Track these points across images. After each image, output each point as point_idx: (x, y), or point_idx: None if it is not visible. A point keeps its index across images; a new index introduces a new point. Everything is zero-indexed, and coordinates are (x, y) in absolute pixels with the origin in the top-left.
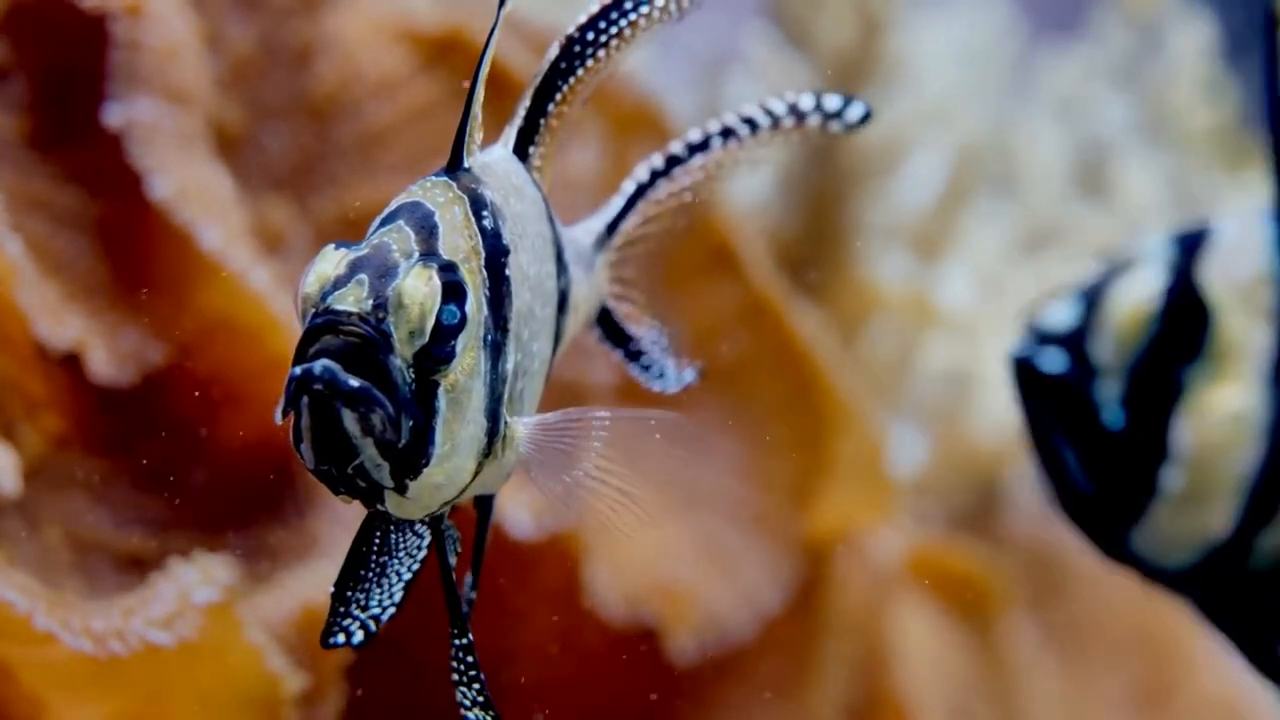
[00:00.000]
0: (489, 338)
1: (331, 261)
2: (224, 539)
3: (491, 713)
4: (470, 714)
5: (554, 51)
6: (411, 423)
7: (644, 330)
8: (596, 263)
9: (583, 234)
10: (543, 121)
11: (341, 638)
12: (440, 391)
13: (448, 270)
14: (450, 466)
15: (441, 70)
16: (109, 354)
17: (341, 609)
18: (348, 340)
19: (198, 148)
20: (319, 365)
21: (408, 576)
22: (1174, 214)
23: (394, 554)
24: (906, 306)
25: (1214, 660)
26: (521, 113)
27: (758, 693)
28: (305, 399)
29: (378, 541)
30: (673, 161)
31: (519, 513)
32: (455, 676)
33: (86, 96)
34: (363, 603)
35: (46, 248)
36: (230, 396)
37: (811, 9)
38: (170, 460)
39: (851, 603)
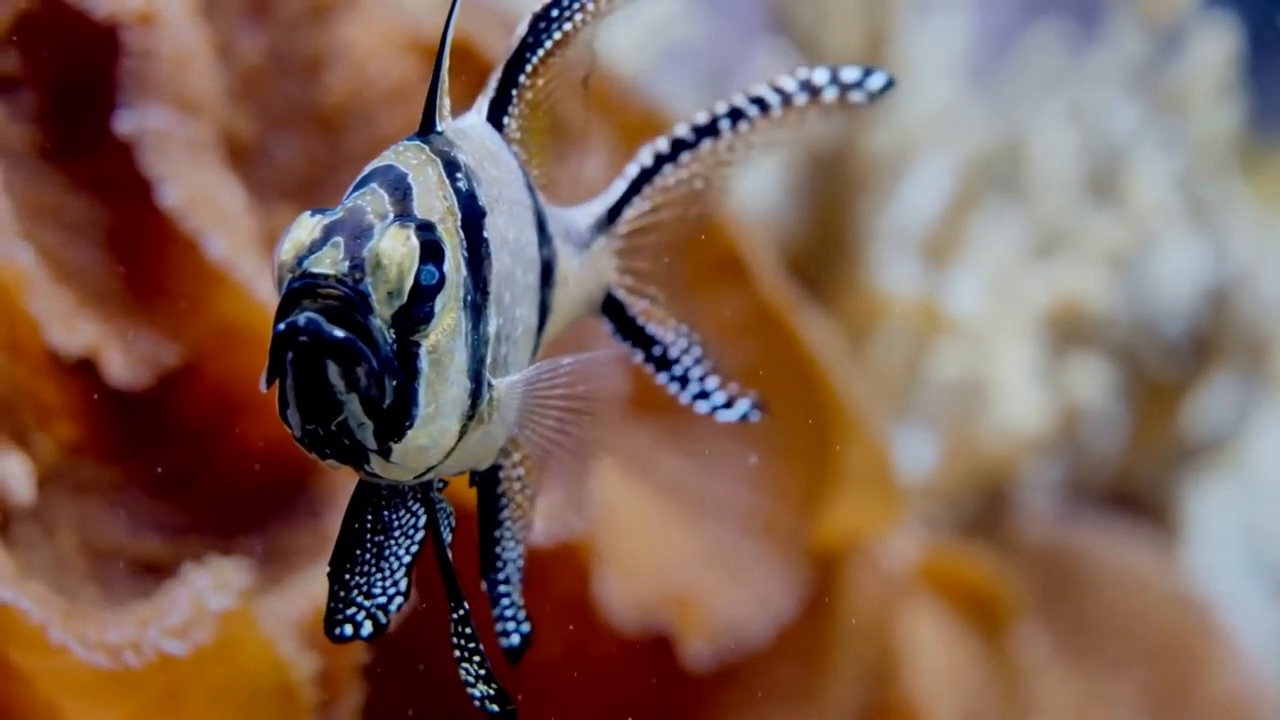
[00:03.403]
0: (469, 298)
1: (306, 228)
2: (238, 543)
3: (494, 685)
4: (475, 689)
5: (523, 28)
6: (395, 382)
7: (671, 335)
8: (595, 245)
9: (581, 215)
10: (514, 92)
11: (349, 629)
12: (422, 352)
13: (425, 230)
14: (434, 429)
15: (450, 79)
16: (124, 357)
17: (342, 593)
18: (326, 302)
19: (208, 156)
20: (303, 317)
21: (407, 559)
22: (1186, 218)
23: (390, 533)
24: (916, 312)
25: (1228, 663)
26: (493, 84)
27: (770, 699)
28: (290, 355)
29: (370, 518)
30: (679, 146)
31: None
32: (456, 653)
33: (98, 105)
34: (365, 588)
35: (58, 256)
36: (243, 401)
37: (818, 19)
38: (184, 465)
39: (863, 609)
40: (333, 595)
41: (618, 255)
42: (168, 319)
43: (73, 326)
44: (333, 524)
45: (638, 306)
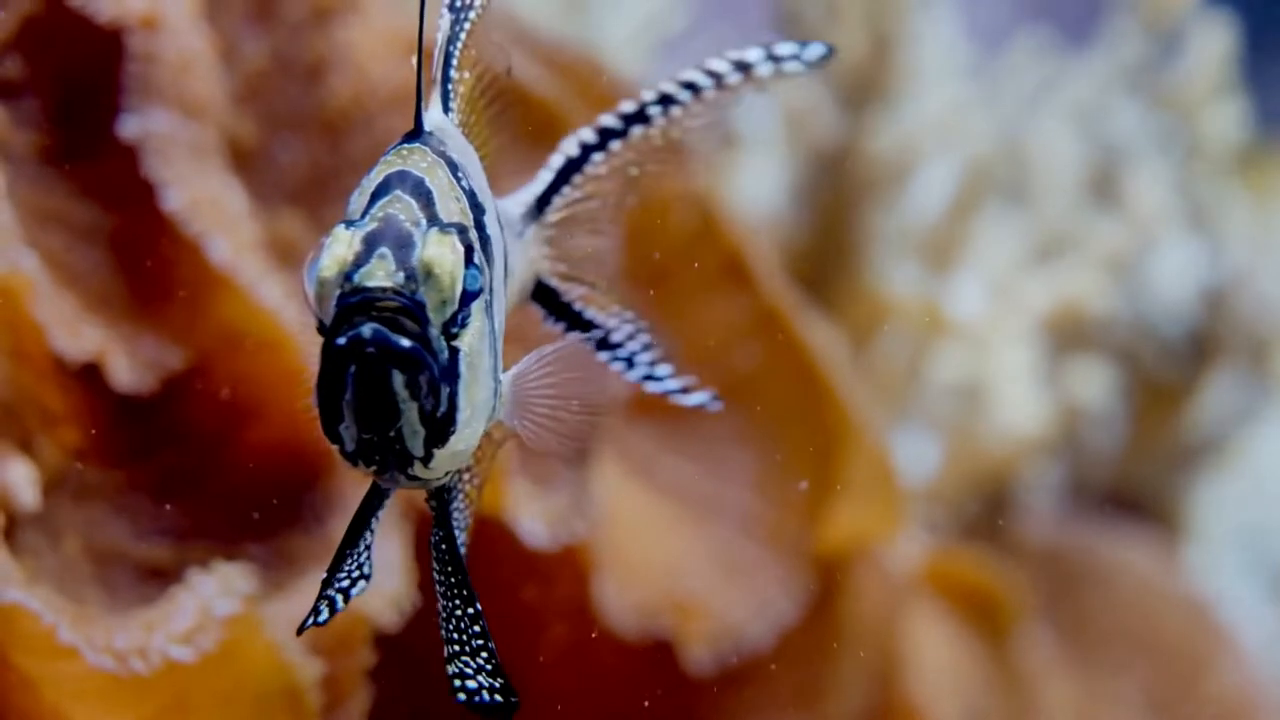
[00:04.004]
0: (487, 299)
1: (344, 241)
2: (244, 547)
3: (501, 677)
4: (471, 682)
5: (445, 21)
6: (448, 389)
7: (614, 320)
8: (526, 235)
9: (511, 204)
10: (449, 88)
11: (310, 619)
12: (461, 357)
13: (462, 233)
14: (469, 432)
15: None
16: (129, 362)
17: (324, 592)
18: (385, 314)
19: (211, 160)
20: (367, 329)
21: (369, 539)
22: (1185, 219)
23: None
24: (917, 315)
25: (1230, 663)
26: (438, 78)
27: (772, 704)
28: (353, 368)
29: (371, 523)
30: (606, 134)
31: (533, 522)
32: (455, 647)
33: (101, 109)
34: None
35: (62, 260)
36: (248, 406)
37: (824, 20)
38: (189, 470)
39: (866, 614)
40: (319, 598)
41: (548, 244)
42: (172, 323)
43: (77, 332)
44: (338, 528)
45: (574, 293)
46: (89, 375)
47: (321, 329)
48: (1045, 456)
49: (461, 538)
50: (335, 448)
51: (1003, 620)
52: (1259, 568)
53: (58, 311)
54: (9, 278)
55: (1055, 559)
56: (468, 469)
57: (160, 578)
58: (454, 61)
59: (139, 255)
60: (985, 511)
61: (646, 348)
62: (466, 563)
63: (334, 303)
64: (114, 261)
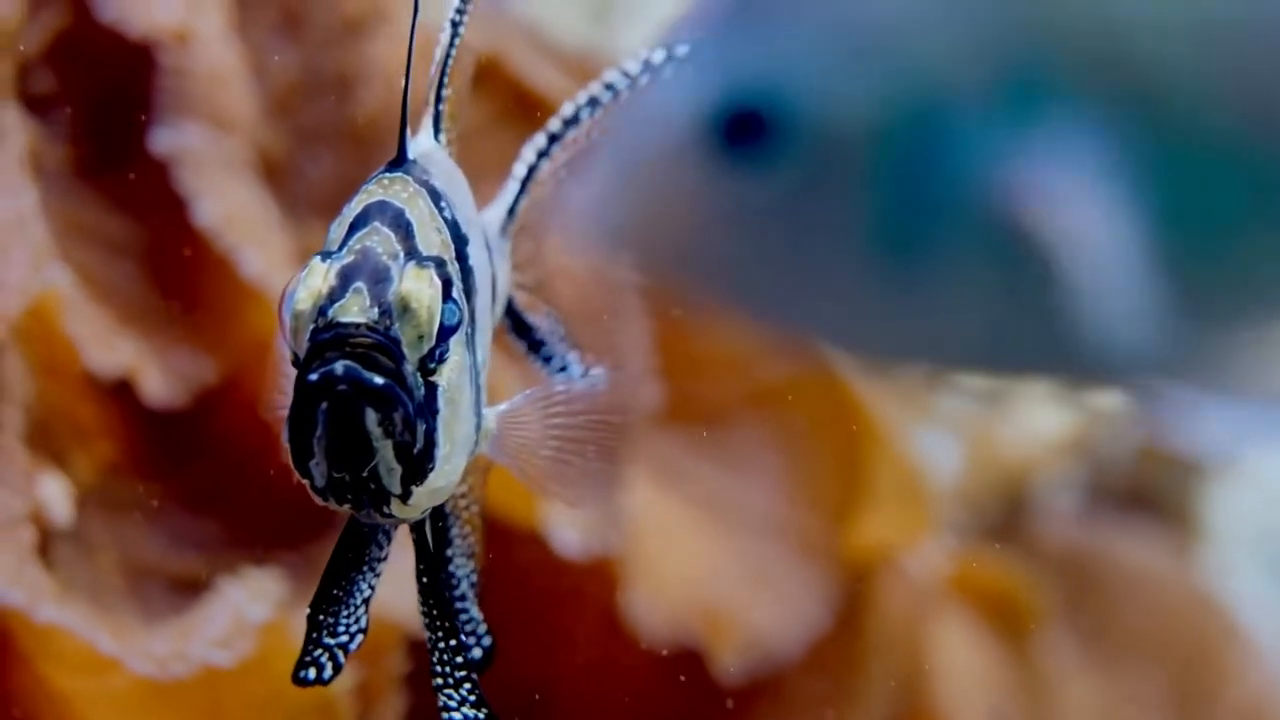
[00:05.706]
0: (468, 332)
1: (320, 274)
2: (276, 556)
3: (485, 710)
4: (456, 714)
5: (446, 37)
6: (424, 426)
7: (542, 319)
8: (504, 249)
9: (491, 220)
10: (441, 107)
11: (313, 672)
12: (439, 393)
13: (440, 267)
14: (450, 468)
15: (480, 95)
16: (161, 376)
17: (315, 635)
18: (358, 350)
19: (243, 173)
20: (340, 366)
21: (368, 593)
22: None
23: (363, 570)
24: None
25: (1249, 664)
26: (431, 100)
27: (801, 713)
28: (324, 405)
29: (352, 558)
30: (553, 139)
31: (567, 532)
32: (438, 680)
33: (133, 124)
34: (332, 627)
35: (94, 274)
36: (279, 417)
37: None
38: (222, 482)
39: (893, 621)
40: (308, 639)
41: (511, 254)
42: (204, 336)
43: (110, 346)
44: None
45: (521, 299)
46: (122, 389)
47: (296, 361)
48: (1066, 457)
49: (470, 565)
50: (305, 483)
51: (1025, 625)
52: (1276, 569)
53: (90, 326)
54: (42, 294)
55: (1075, 561)
56: (462, 496)
57: (194, 589)
58: (445, 79)
59: (171, 269)
60: (1006, 514)
61: (561, 339)
62: (482, 579)
63: (308, 337)
64: (146, 275)
